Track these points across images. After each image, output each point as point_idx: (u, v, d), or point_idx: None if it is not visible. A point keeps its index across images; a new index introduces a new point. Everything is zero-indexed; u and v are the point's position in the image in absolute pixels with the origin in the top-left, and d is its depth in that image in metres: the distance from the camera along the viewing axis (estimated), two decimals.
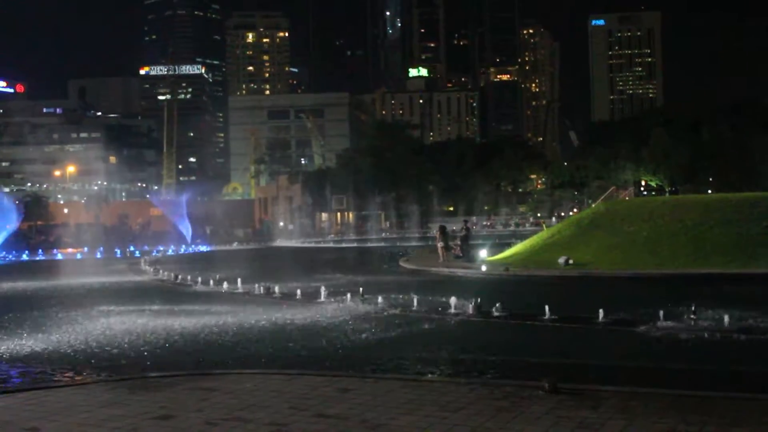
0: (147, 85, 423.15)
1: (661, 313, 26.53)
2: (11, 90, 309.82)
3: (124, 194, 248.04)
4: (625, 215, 54.89)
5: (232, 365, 21.18)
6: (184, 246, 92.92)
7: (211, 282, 46.52)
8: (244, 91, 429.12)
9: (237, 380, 17.69)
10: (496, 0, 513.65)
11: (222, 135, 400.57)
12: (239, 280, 44.31)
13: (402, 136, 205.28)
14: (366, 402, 14.94)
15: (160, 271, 56.97)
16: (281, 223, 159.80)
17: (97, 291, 45.99)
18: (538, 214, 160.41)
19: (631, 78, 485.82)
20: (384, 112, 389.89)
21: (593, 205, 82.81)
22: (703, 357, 22.20)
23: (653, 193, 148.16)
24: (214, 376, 18.43)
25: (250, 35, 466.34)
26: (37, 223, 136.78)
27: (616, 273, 44.11)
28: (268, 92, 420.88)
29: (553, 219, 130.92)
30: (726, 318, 25.43)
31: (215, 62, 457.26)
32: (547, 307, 28.70)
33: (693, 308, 26.31)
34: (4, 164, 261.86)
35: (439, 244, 58.33)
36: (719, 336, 24.48)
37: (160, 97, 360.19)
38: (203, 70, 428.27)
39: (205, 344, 25.71)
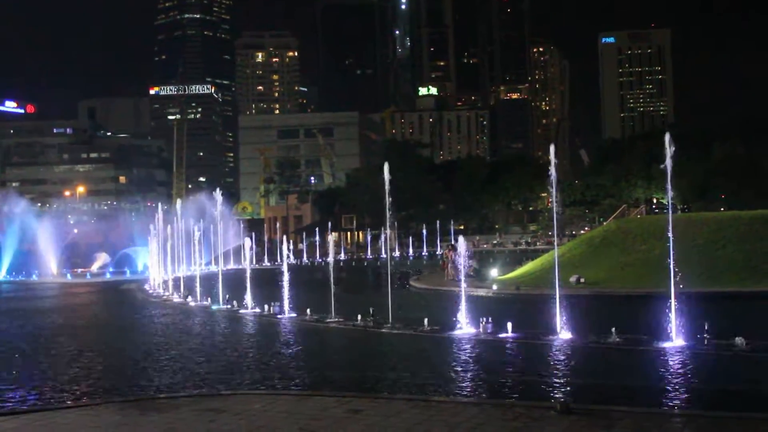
0: (157, 105, 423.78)
1: (674, 332, 26.29)
2: (22, 111, 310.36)
3: (133, 214, 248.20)
4: (637, 233, 54.51)
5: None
6: (194, 266, 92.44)
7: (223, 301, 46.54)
8: (253, 111, 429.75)
9: (246, 401, 17.54)
10: (505, 19, 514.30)
11: (232, 155, 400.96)
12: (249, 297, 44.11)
13: (412, 155, 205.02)
14: (377, 423, 14.78)
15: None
16: (291, 243, 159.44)
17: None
18: (549, 233, 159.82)
19: (641, 95, 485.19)
20: (394, 131, 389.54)
21: (605, 224, 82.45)
22: (717, 376, 21.98)
23: (665, 210, 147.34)
24: (223, 397, 18.29)
25: (260, 55, 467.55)
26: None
27: (629, 291, 43.77)
28: (277, 112, 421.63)
29: (565, 237, 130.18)
30: (740, 337, 25.15)
31: (225, 82, 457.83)
32: (558, 326, 28.51)
33: (706, 327, 26.02)
34: (14, 184, 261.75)
35: (449, 263, 58.49)
36: (733, 355, 24.24)
37: (170, 117, 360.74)
38: (213, 90, 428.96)
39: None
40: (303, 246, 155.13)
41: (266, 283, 51.28)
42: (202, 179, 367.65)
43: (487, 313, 31.60)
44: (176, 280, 61.69)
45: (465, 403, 16.76)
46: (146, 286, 68.96)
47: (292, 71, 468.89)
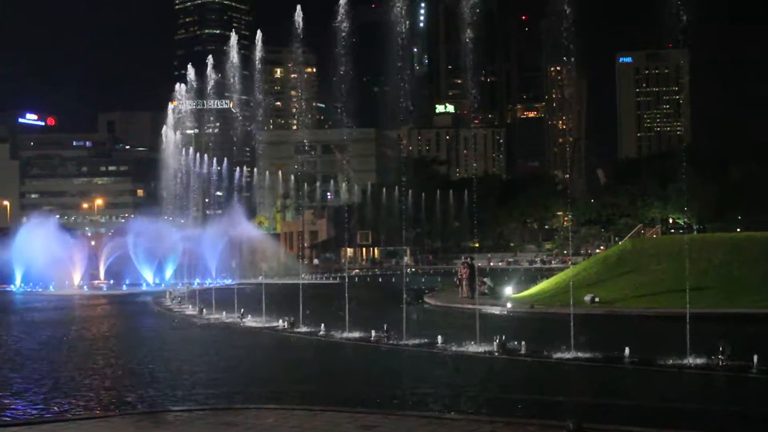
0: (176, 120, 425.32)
1: (688, 353, 26.24)
2: (42, 123, 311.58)
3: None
4: (653, 253, 54.38)
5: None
6: (209, 280, 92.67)
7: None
8: (271, 126, 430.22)
9: (258, 415, 17.63)
10: (523, 37, 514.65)
11: (249, 169, 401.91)
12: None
13: (429, 172, 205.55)
14: None
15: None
16: (305, 258, 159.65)
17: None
18: (565, 251, 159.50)
19: (658, 115, 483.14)
20: (411, 148, 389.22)
21: (620, 243, 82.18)
22: (731, 398, 21.94)
23: (681, 231, 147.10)
24: (236, 411, 18.39)
25: (278, 71, 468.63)
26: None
27: (643, 312, 43.63)
28: (294, 127, 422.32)
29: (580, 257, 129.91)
30: (755, 358, 25.07)
31: (243, 97, 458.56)
32: (572, 346, 28.49)
33: (721, 348, 25.93)
34: (33, 196, 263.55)
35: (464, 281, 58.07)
36: (747, 377, 24.18)
37: (189, 132, 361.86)
38: (231, 105, 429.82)
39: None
40: (317, 261, 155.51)
41: (284, 299, 51.47)
42: (219, 193, 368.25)
43: (500, 331, 31.60)
44: (193, 293, 61.77)
45: (478, 421, 16.79)
46: (163, 299, 68.94)
47: (310, 87, 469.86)
